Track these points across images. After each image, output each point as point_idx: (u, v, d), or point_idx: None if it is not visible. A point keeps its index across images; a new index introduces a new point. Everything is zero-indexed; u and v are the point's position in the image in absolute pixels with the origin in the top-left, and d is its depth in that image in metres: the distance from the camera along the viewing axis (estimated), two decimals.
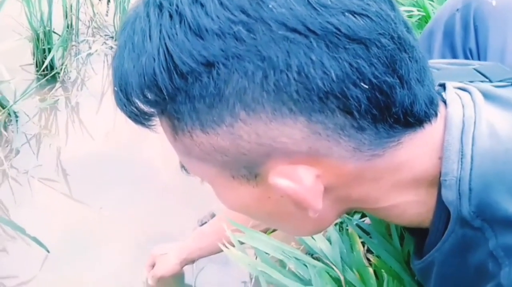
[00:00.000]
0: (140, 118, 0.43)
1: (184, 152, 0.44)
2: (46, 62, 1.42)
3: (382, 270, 0.73)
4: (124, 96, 0.42)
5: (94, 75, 1.49)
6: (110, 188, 1.21)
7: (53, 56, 1.43)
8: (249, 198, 0.46)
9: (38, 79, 1.44)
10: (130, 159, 1.27)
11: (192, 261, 1.00)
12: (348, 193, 0.46)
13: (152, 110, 0.43)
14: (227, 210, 0.51)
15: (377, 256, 0.74)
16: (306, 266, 0.76)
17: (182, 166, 0.48)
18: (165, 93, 0.40)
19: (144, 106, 0.42)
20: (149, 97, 0.41)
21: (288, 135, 0.40)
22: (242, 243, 0.81)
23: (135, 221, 1.15)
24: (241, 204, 0.47)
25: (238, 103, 0.39)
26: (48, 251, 1.07)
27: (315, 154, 0.41)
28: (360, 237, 0.76)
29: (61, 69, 1.46)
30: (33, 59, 1.46)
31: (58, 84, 1.45)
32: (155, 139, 0.46)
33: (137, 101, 0.42)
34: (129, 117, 0.43)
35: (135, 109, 0.42)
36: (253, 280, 1.01)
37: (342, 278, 0.74)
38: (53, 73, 1.45)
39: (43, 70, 1.44)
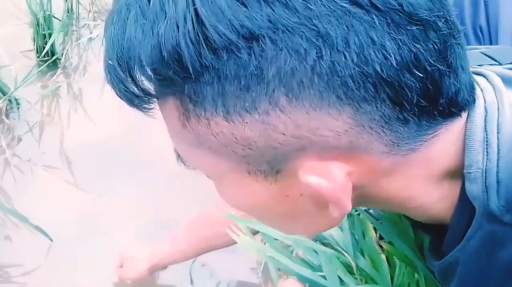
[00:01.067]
0: (138, 99, 0.36)
1: (193, 142, 0.38)
2: (47, 47, 1.40)
3: (394, 257, 0.71)
4: (124, 71, 0.35)
5: (95, 60, 1.46)
6: (115, 175, 1.19)
7: (54, 41, 1.41)
8: (263, 196, 0.40)
9: (39, 65, 1.41)
10: (135, 146, 1.25)
11: (164, 267, 0.96)
12: (373, 192, 0.41)
13: (159, 90, 0.36)
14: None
15: (389, 243, 0.72)
16: (316, 252, 0.74)
17: (179, 157, 0.42)
18: (190, 71, 0.33)
19: (150, 85, 0.36)
20: (163, 74, 0.34)
21: (330, 127, 0.35)
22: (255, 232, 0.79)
23: (140, 208, 1.13)
24: (251, 203, 0.41)
25: (281, 87, 0.33)
26: (52, 240, 1.06)
27: (353, 149, 0.36)
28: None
29: (62, 54, 1.44)
30: (34, 45, 1.43)
31: (59, 70, 1.42)
32: (160, 124, 0.41)
33: (142, 78, 0.35)
34: (124, 97, 0.36)
35: (135, 88, 0.36)
36: (261, 267, 0.99)
37: (353, 264, 0.73)
38: (54, 58, 1.42)
39: (44, 56, 1.41)
